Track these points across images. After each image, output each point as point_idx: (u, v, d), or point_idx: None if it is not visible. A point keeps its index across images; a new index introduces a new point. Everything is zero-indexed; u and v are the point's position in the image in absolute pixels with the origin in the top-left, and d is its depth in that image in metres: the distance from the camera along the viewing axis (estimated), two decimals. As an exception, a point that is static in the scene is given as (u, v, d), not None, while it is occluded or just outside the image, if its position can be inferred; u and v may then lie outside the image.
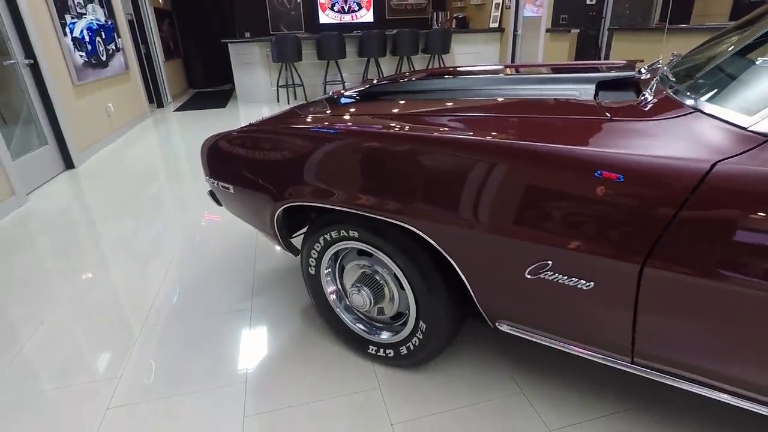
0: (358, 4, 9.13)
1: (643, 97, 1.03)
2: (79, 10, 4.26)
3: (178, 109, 6.86)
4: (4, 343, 1.62)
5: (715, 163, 0.75)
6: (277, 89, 6.87)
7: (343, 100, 1.67)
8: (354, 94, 1.75)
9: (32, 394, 1.38)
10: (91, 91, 4.40)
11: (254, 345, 1.55)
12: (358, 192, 1.14)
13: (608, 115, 0.97)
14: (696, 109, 0.88)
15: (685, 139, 0.81)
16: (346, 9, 9.11)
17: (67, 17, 4.02)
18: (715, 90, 0.89)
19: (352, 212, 1.20)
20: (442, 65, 7.26)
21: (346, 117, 1.34)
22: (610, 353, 1.02)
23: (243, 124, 1.50)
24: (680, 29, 4.47)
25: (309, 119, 1.36)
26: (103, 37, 4.79)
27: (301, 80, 6.84)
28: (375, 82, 2.01)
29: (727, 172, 0.74)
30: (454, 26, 8.58)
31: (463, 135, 0.99)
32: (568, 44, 6.04)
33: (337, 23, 9.08)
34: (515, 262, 0.97)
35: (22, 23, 3.35)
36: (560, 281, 0.93)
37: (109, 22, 5.03)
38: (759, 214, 0.71)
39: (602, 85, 1.30)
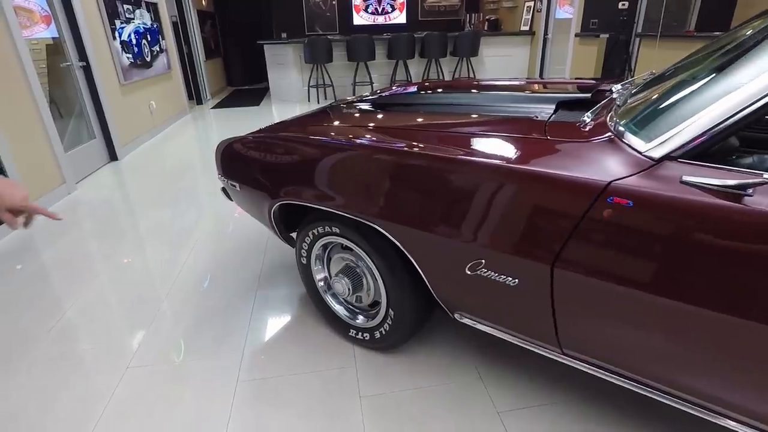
0: (392, 6, 9.31)
1: (582, 120, 1.16)
2: (128, 16, 4.66)
3: (215, 107, 7.27)
4: (51, 310, 1.92)
5: (610, 183, 0.89)
6: (308, 89, 7.16)
7: (344, 110, 1.86)
8: (353, 103, 1.93)
9: (71, 350, 1.66)
10: (136, 90, 4.80)
11: (254, 324, 1.77)
12: (335, 194, 1.32)
13: (546, 135, 1.11)
14: (614, 134, 1.01)
15: (594, 161, 0.95)
16: (380, 10, 9.31)
17: (117, 22, 4.41)
18: (633, 116, 1.02)
19: (332, 212, 1.39)
20: (470, 68, 7.34)
21: (329, 128, 1.53)
22: (544, 344, 1.16)
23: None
24: (709, 37, 4.39)
25: (301, 129, 1.56)
26: (149, 39, 5.19)
27: (331, 81, 7.09)
28: (379, 91, 2.19)
29: (617, 190, 0.87)
30: (486, 28, 8.62)
31: (414, 149, 1.16)
32: (597, 49, 6.00)
33: (370, 24, 9.29)
34: (458, 260, 1.13)
35: (78, 29, 3.73)
36: (493, 277, 1.08)
37: (155, 25, 5.44)
38: (640, 226, 0.85)
39: (567, 105, 1.43)
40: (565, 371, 1.47)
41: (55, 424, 1.35)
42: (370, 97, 2.01)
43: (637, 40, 5.54)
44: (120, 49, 4.42)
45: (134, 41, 4.76)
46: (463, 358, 1.55)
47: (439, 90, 1.92)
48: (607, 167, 0.92)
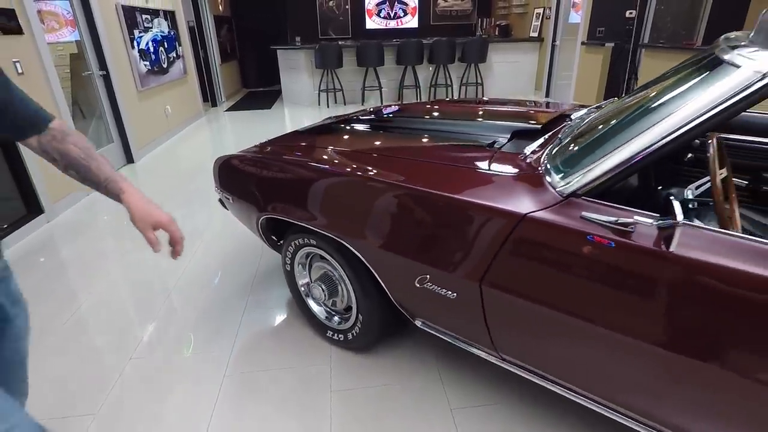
0: (404, 11, 9.45)
1: (524, 153, 1.31)
2: (146, 25, 4.92)
3: (229, 109, 7.53)
4: (67, 304, 2.14)
5: (526, 214, 1.04)
6: (319, 93, 7.36)
7: (334, 128, 2.04)
8: (343, 121, 2.11)
9: (83, 342, 1.87)
10: (153, 96, 5.06)
11: (245, 323, 1.96)
12: (310, 212, 1.50)
13: (489, 165, 1.27)
14: (542, 170, 1.16)
15: (519, 194, 1.10)
16: (392, 15, 9.46)
17: (136, 32, 4.67)
18: (556, 156, 1.16)
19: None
20: (478, 74, 7.43)
21: (307, 151, 1.70)
22: (486, 349, 1.31)
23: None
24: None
25: (287, 149, 1.74)
26: (166, 46, 5.45)
27: (341, 85, 7.28)
28: (370, 109, 2.36)
29: (531, 220, 1.03)
30: (496, 33, 8.69)
31: (370, 176, 1.33)
32: (602, 58, 6.04)
33: (383, 29, 9.45)
34: (408, 274, 1.29)
35: (99, 40, 3.99)
36: (436, 291, 1.24)
37: (172, 33, 5.70)
38: (547, 252, 1.00)
39: (524, 133, 1.57)
40: (516, 375, 1.61)
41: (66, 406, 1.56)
42: (359, 117, 2.18)
43: (640, 50, 5.55)
44: (138, 57, 4.68)
45: (152, 49, 5.02)
46: (427, 361, 1.71)
47: (419, 114, 2.08)
48: (528, 200, 1.07)
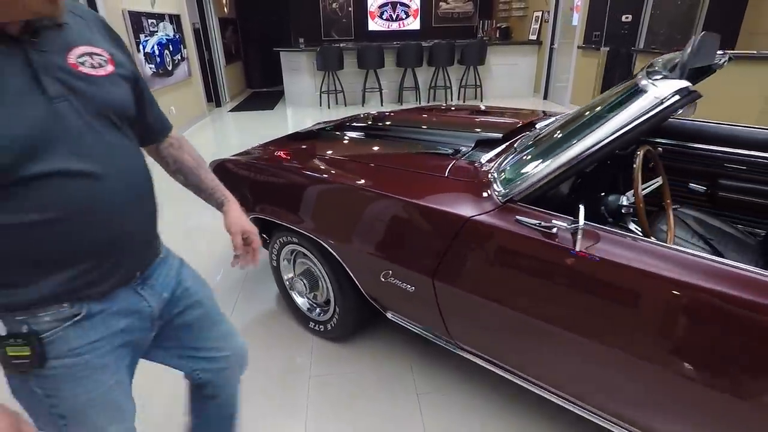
0: (406, 13, 9.58)
1: (480, 162, 1.45)
2: (152, 29, 5.09)
3: (233, 110, 7.72)
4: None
5: (470, 218, 1.18)
6: (320, 94, 7.51)
7: (320, 134, 2.19)
8: (329, 127, 2.26)
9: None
10: (158, 97, 5.15)
11: (235, 315, 2.12)
12: (290, 213, 1.65)
13: (447, 172, 1.41)
14: (491, 178, 1.30)
15: (468, 199, 1.25)
16: (394, 17, 9.59)
17: (142, 36, 4.84)
18: (501, 166, 1.30)
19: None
20: (477, 77, 7.55)
21: (290, 154, 1.86)
22: (444, 339, 1.46)
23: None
24: (698, 56, 4.52)
25: (273, 156, 1.89)
26: (171, 49, 5.63)
27: (342, 87, 7.43)
28: (362, 115, 2.52)
29: (474, 223, 1.17)
30: (497, 36, 8.80)
31: (338, 181, 1.48)
32: (597, 62, 6.14)
33: (384, 31, 9.59)
34: (374, 270, 1.44)
35: (106, 45, 4.16)
36: (398, 284, 1.39)
37: (177, 36, 5.87)
38: (487, 251, 1.14)
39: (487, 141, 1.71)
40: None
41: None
42: (346, 123, 2.34)
43: (635, 54, 5.64)
44: (144, 60, 4.85)
45: (157, 52, 5.20)
46: (399, 350, 1.86)
47: (399, 122, 2.23)
48: (473, 205, 1.22)
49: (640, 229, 1.31)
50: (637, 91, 1.06)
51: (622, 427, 1.11)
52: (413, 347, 1.86)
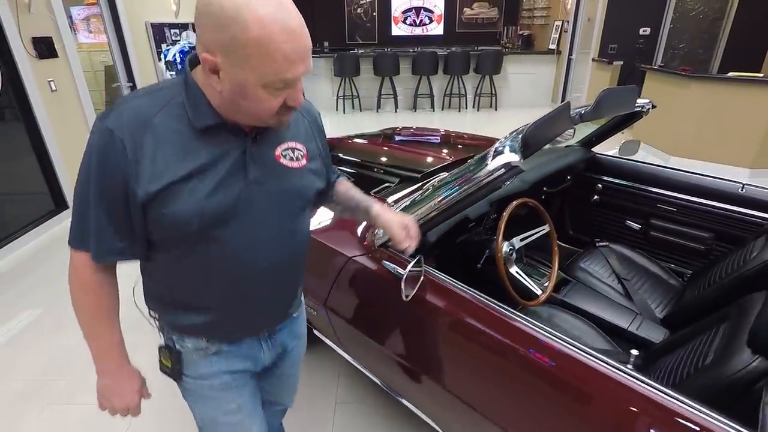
0: (430, 18, 9.65)
1: (387, 202, 1.61)
2: (174, 39, 5.47)
3: (254, 111, 8.08)
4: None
5: (351, 257, 1.35)
6: (337, 99, 7.75)
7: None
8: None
9: (70, 322, 2.35)
10: (177, 101, 5.60)
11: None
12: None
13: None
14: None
15: (357, 240, 1.42)
16: (418, 22, 9.68)
17: (163, 46, 5.22)
18: (398, 207, 1.46)
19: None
20: (492, 86, 7.56)
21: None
22: (347, 354, 1.64)
23: None
24: (704, 77, 4.41)
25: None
26: (193, 56, 5.99)
27: (357, 93, 7.64)
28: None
29: (353, 262, 1.34)
30: (519, 43, 8.74)
31: None
32: (609, 77, 6.05)
33: (408, 36, 9.71)
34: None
35: (128, 55, 4.54)
36: (309, 309, 1.58)
37: (200, 43, 6.24)
38: (361, 286, 1.32)
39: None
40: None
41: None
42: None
43: (641, 72, 5.49)
44: (164, 68, 5.23)
45: (178, 60, 5.56)
46: (334, 361, 2.04)
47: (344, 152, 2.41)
48: (358, 246, 1.39)
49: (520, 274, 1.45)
50: (484, 158, 1.19)
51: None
52: (343, 358, 2.05)
